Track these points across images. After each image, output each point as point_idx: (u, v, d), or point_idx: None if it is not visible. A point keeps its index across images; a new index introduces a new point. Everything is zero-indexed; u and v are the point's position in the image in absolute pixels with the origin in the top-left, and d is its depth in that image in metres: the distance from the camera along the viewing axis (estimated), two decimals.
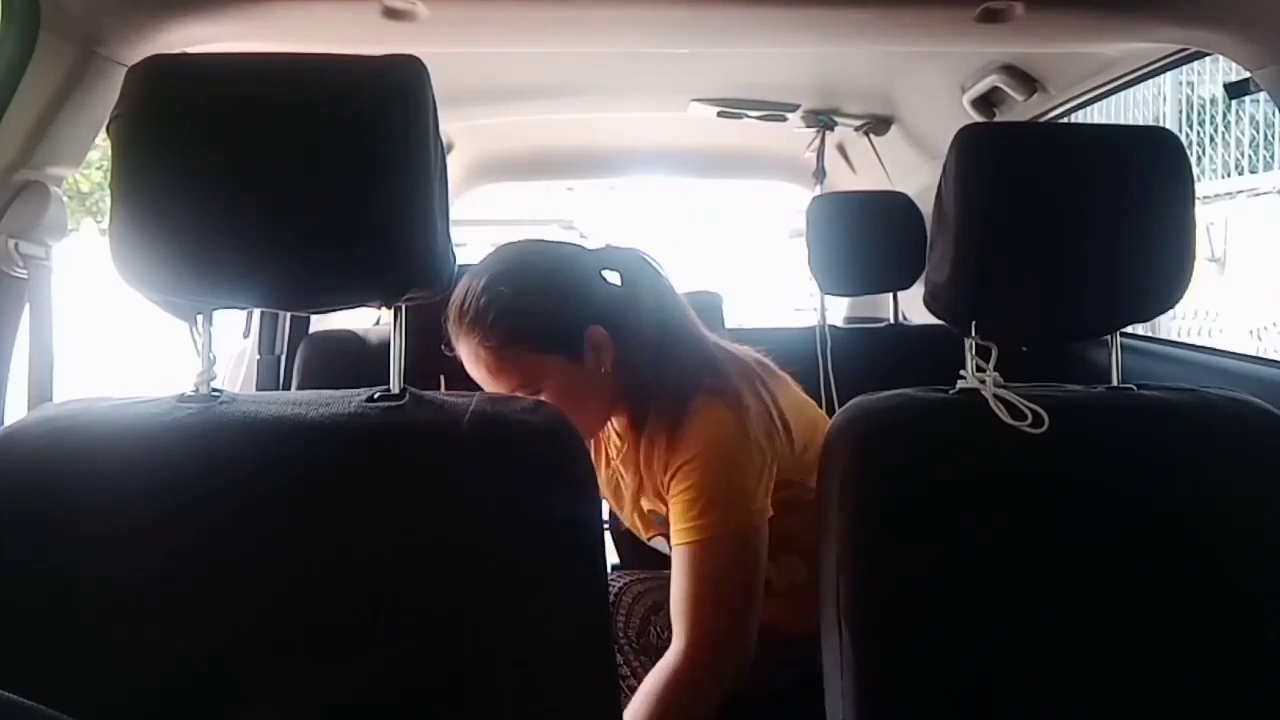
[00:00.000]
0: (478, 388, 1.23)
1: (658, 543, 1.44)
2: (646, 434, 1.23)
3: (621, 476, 1.35)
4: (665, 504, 1.28)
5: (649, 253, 1.32)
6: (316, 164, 0.79)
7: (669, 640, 1.34)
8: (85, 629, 0.77)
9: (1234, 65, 1.33)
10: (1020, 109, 1.94)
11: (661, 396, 1.21)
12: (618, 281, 1.29)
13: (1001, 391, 0.93)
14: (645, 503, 1.34)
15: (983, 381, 0.95)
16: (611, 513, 1.53)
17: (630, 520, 1.42)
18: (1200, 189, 4.11)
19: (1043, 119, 1.94)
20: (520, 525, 0.80)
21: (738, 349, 1.34)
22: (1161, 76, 2.14)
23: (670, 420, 1.20)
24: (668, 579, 1.47)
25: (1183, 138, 1.55)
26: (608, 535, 1.50)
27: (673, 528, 1.18)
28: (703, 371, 1.22)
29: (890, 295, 2.23)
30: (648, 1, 1.30)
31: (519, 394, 1.16)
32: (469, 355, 1.22)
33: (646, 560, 1.53)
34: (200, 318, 0.86)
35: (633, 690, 1.17)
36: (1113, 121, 1.28)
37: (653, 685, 1.12)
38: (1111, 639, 0.89)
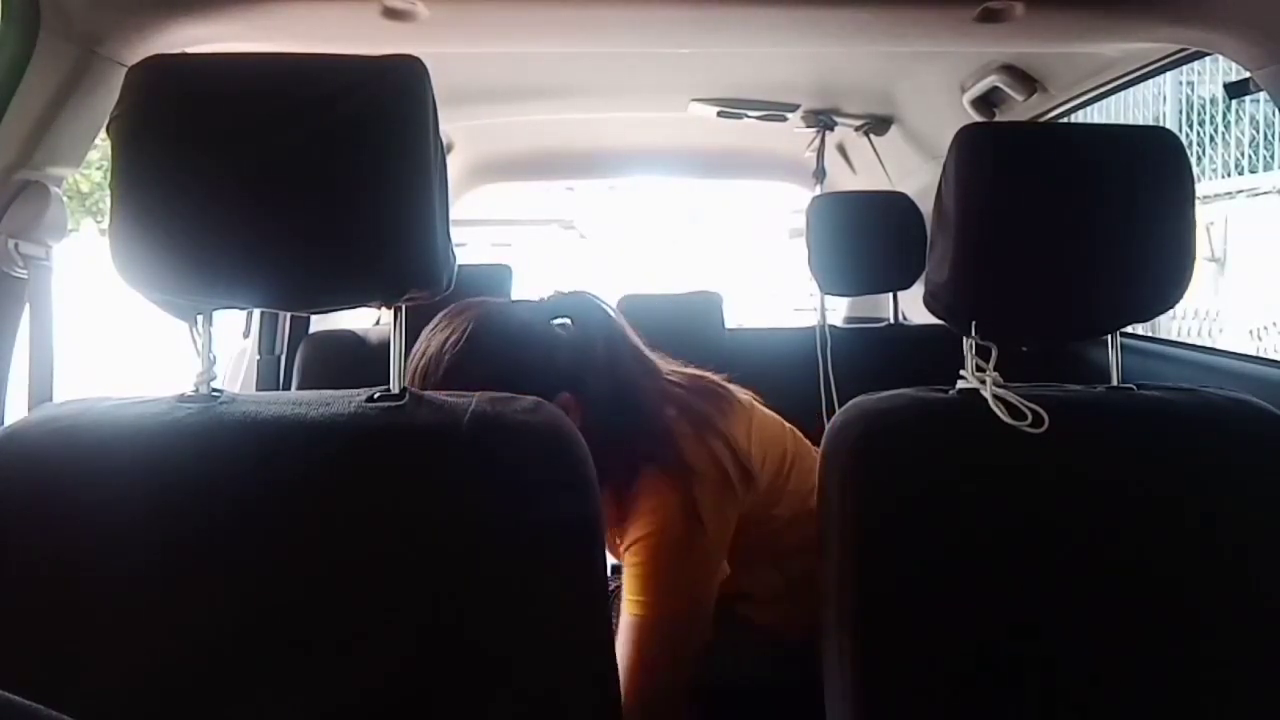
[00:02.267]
0: None
1: None
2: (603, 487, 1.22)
3: None
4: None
5: (597, 294, 1.28)
6: (316, 164, 0.79)
7: None
8: (85, 628, 0.77)
9: (1234, 65, 1.33)
10: (1020, 109, 1.94)
11: (614, 462, 1.16)
12: (569, 324, 1.25)
13: (1001, 391, 0.93)
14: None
15: (983, 381, 0.95)
16: None
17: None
18: (1200, 189, 4.11)
19: (1043, 119, 1.94)
20: (520, 525, 0.80)
21: (690, 376, 1.31)
22: (1161, 76, 2.14)
23: (620, 489, 1.19)
24: None
25: (1183, 138, 1.55)
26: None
27: (623, 592, 1.20)
28: (654, 438, 1.20)
29: (890, 295, 2.23)
30: (648, 1, 1.30)
31: None
32: None
33: None
34: (200, 318, 0.86)
35: None
36: (1113, 121, 1.28)
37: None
38: (1111, 638, 0.89)
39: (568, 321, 1.25)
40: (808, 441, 1.43)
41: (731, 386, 1.34)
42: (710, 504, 1.18)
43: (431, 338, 1.15)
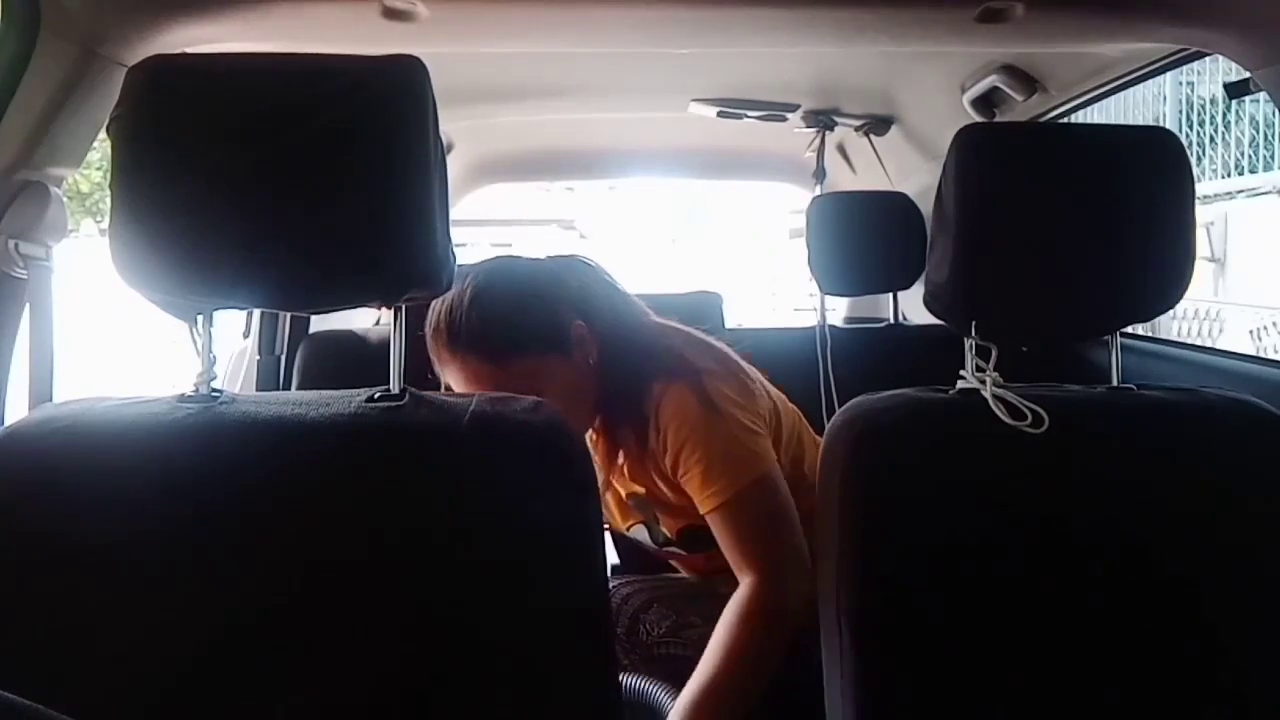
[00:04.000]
0: None
1: (637, 532, 1.45)
2: (621, 426, 1.29)
3: None
4: (645, 486, 1.34)
5: (588, 257, 1.39)
6: (316, 164, 0.79)
7: (658, 637, 1.36)
8: (85, 628, 0.77)
9: (1234, 65, 1.33)
10: (1020, 109, 1.94)
11: (627, 386, 1.27)
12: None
13: (1001, 391, 0.93)
14: (621, 487, 1.39)
15: (983, 382, 0.95)
16: None
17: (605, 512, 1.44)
18: (1200, 189, 4.11)
19: (1043, 119, 1.94)
20: (520, 525, 0.80)
21: (685, 328, 1.39)
22: (1161, 76, 2.14)
23: (640, 411, 1.26)
24: (660, 582, 1.48)
25: (1183, 138, 1.55)
26: (607, 535, 1.50)
27: (696, 499, 1.24)
28: (659, 356, 1.28)
29: (890, 295, 2.23)
30: (648, 1, 1.30)
31: None
32: (465, 375, 1.23)
33: (647, 561, 1.54)
34: (200, 318, 0.86)
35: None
36: (1113, 121, 1.28)
37: (730, 618, 1.18)
38: (1111, 638, 0.89)
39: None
40: (808, 424, 1.49)
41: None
42: (725, 394, 1.25)
43: (443, 297, 1.21)
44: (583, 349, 1.27)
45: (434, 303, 1.23)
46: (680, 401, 1.23)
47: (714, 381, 1.25)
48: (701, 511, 1.24)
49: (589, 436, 1.34)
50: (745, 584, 1.20)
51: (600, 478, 1.34)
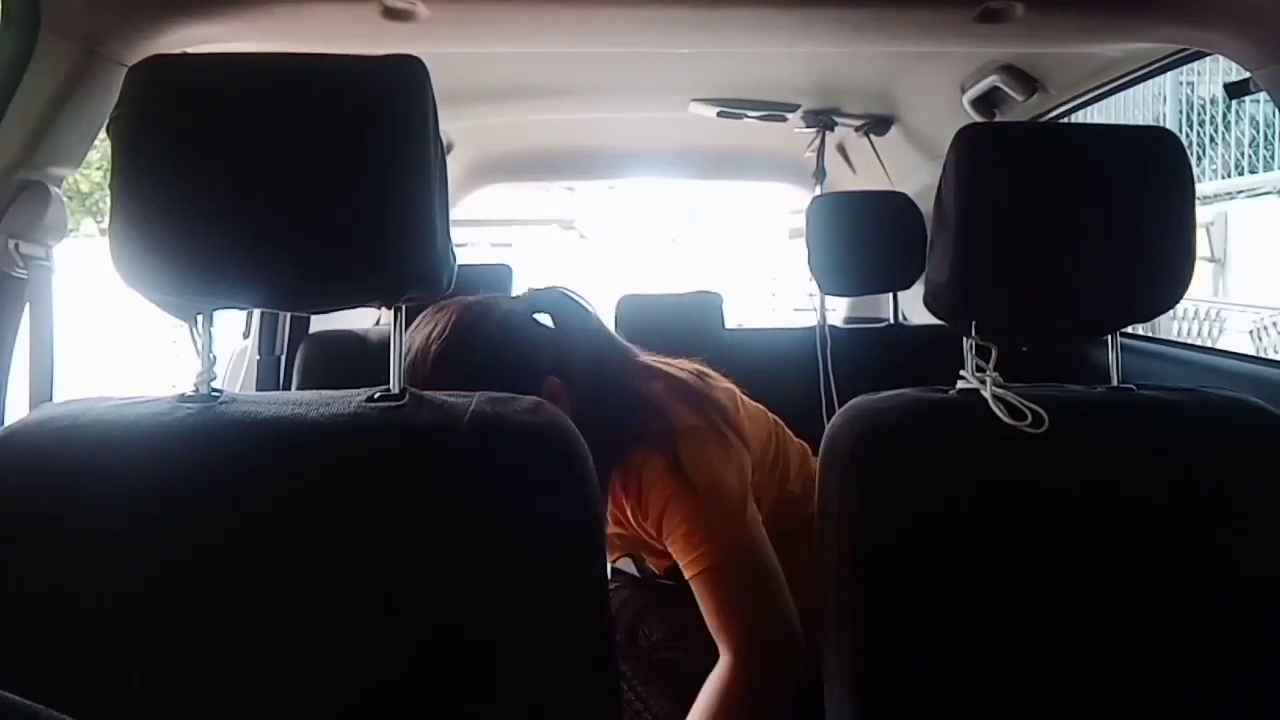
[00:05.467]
0: None
1: (624, 564, 1.44)
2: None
3: None
4: (629, 532, 1.28)
5: (571, 289, 1.29)
6: (316, 164, 0.79)
7: (657, 642, 1.34)
8: (85, 629, 0.77)
9: (1234, 65, 1.33)
10: (1020, 109, 1.94)
11: (601, 448, 1.18)
12: (550, 324, 1.27)
13: (1001, 391, 0.93)
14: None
15: (983, 382, 0.95)
16: None
17: None
18: (1200, 189, 4.11)
19: (1043, 119, 1.94)
20: (520, 525, 0.80)
21: (674, 364, 1.32)
22: (1161, 76, 2.14)
23: (623, 471, 1.20)
24: (658, 586, 1.47)
25: (1183, 138, 1.55)
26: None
27: (680, 562, 1.20)
28: (642, 412, 1.21)
29: (890, 295, 2.23)
30: (648, 1, 1.30)
31: None
32: None
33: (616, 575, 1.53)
34: (200, 318, 0.86)
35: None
36: (1113, 121, 1.28)
37: (707, 700, 1.13)
38: (1111, 638, 0.89)
39: (546, 317, 1.27)
40: (790, 433, 1.45)
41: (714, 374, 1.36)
42: (706, 459, 1.19)
43: (415, 334, 1.15)
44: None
45: (406, 335, 1.13)
46: (658, 471, 1.17)
47: (694, 445, 1.19)
48: (685, 572, 1.19)
49: None
50: (723, 661, 1.15)
51: None
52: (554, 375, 1.18)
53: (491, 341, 1.15)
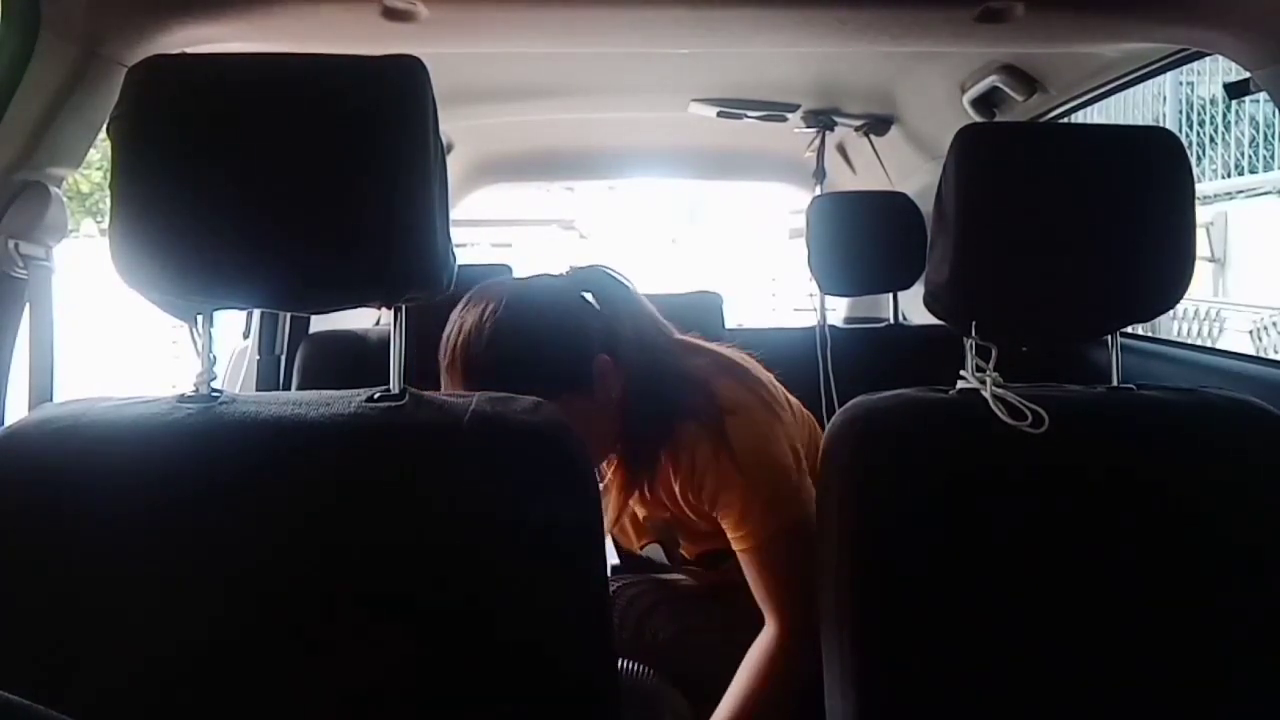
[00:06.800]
0: None
1: (652, 550, 1.44)
2: (644, 459, 1.24)
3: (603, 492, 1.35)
4: (671, 512, 1.29)
5: (612, 268, 1.31)
6: (316, 164, 0.79)
7: (664, 641, 1.34)
8: (85, 628, 0.77)
9: (1234, 65, 1.33)
10: (1020, 109, 1.94)
11: (653, 425, 1.22)
12: (595, 304, 1.28)
13: (1001, 391, 0.93)
14: (639, 510, 1.35)
15: (983, 382, 0.95)
16: None
17: (616, 528, 1.42)
18: (1200, 189, 4.11)
19: (1043, 119, 1.94)
20: (521, 525, 0.80)
21: (709, 345, 1.34)
22: (1161, 76, 2.14)
23: (667, 448, 1.21)
24: (665, 584, 1.47)
25: (1183, 138, 1.55)
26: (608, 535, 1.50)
27: (730, 536, 1.22)
28: (689, 387, 1.23)
29: (890, 295, 2.23)
30: (648, 1, 1.30)
31: None
32: None
33: (643, 562, 1.54)
34: (200, 318, 0.86)
35: None
36: (1113, 121, 1.28)
37: (754, 664, 1.18)
38: (1111, 637, 0.89)
39: (589, 295, 1.28)
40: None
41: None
42: (756, 433, 1.21)
43: (465, 315, 1.17)
44: (605, 385, 1.21)
45: (450, 327, 1.18)
46: (708, 447, 1.19)
47: (743, 420, 1.20)
48: (734, 546, 1.21)
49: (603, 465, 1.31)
50: (769, 631, 1.19)
51: (610, 500, 1.30)
52: (604, 353, 1.21)
53: (543, 322, 1.18)
